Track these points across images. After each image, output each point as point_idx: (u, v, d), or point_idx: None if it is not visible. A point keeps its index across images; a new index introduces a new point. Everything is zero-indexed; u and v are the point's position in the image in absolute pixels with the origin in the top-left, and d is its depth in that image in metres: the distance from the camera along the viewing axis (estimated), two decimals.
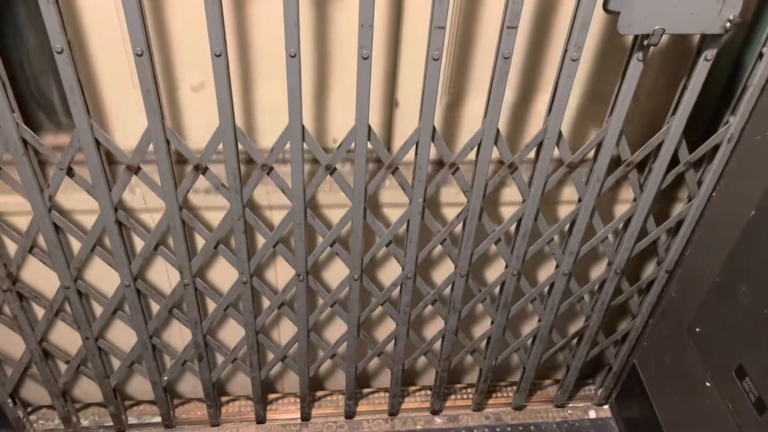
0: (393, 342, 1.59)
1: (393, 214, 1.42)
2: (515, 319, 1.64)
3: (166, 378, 1.61)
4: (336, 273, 1.65)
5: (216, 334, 1.67)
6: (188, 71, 1.20)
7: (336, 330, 1.69)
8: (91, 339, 1.47)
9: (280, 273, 1.62)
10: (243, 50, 1.19)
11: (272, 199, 1.36)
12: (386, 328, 1.78)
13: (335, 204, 1.36)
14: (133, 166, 1.18)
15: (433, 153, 1.22)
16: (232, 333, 1.75)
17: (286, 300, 1.46)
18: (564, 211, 1.47)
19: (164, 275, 1.49)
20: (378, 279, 1.60)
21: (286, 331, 1.76)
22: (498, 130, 1.19)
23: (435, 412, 1.82)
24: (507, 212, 1.53)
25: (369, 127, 1.16)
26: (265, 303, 1.50)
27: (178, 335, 1.74)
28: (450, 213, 1.44)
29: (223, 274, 1.61)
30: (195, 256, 1.34)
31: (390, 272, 1.63)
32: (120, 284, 1.36)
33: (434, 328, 1.82)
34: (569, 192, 1.45)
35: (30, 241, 1.29)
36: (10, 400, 1.60)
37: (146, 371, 1.57)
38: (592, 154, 1.28)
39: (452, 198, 1.41)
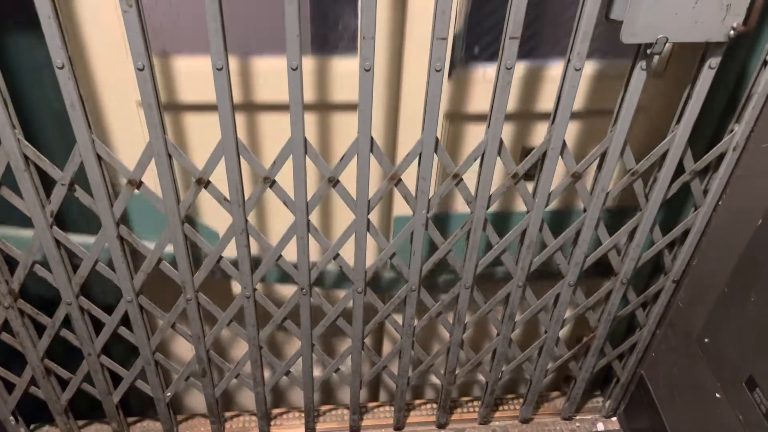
0: (398, 355, 1.57)
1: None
2: (521, 331, 1.62)
3: (169, 394, 1.59)
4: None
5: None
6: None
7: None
8: (93, 355, 1.46)
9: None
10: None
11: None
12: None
13: None
14: (135, 181, 1.18)
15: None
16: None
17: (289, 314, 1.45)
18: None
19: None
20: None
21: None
22: (501, 141, 1.18)
23: (441, 426, 1.80)
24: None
25: (372, 139, 1.15)
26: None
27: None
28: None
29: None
30: (197, 270, 1.34)
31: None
32: (122, 299, 1.36)
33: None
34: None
35: (32, 257, 1.28)
36: (12, 418, 1.59)
37: (149, 387, 1.56)
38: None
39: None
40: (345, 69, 1.24)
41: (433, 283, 1.59)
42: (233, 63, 1.18)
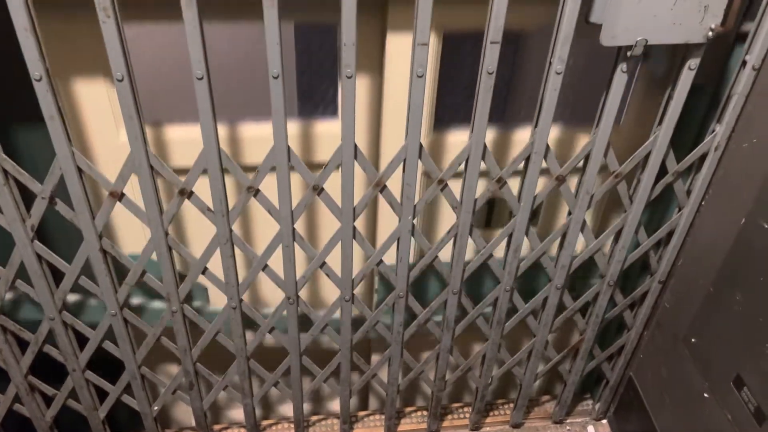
0: (387, 363, 1.56)
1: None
2: (510, 336, 1.62)
3: (156, 408, 1.57)
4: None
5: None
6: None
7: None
8: (78, 371, 1.44)
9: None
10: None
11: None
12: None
13: None
14: (117, 193, 1.16)
15: None
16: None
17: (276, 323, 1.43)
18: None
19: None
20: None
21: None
22: (485, 145, 1.18)
23: None
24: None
25: (355, 146, 1.15)
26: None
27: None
28: None
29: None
30: (183, 282, 1.32)
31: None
32: (106, 313, 1.34)
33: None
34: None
35: (13, 272, 1.26)
36: None
37: (136, 402, 1.54)
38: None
39: None
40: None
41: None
42: None
